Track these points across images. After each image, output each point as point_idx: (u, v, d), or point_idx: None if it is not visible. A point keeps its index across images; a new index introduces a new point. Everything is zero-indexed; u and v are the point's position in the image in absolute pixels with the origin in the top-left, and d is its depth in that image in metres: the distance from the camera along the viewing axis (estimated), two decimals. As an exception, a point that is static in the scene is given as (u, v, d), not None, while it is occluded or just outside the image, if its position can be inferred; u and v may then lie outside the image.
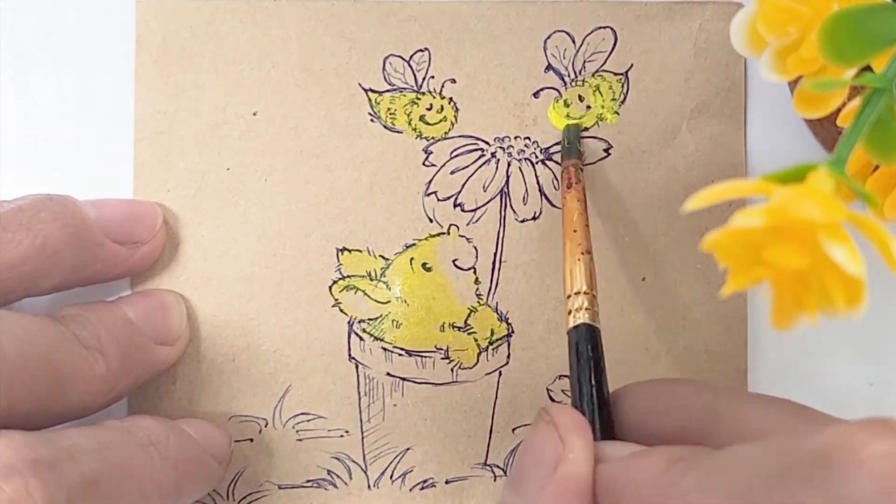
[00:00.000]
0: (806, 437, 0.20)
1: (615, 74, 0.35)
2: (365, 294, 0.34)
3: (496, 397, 0.34)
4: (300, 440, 0.34)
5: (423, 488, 0.34)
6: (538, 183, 0.34)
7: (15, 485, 0.24)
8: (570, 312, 0.29)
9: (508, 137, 0.34)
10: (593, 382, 0.28)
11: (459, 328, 0.34)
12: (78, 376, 0.29)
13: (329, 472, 0.34)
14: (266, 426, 0.34)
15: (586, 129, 0.34)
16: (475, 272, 0.34)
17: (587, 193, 0.33)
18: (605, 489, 0.24)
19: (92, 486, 0.26)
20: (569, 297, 0.29)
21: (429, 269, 0.34)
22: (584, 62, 0.35)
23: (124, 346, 0.31)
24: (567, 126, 0.34)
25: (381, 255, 0.34)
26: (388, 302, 0.34)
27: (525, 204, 0.34)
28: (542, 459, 0.25)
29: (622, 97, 0.35)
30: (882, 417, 0.20)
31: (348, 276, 0.34)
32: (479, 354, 0.34)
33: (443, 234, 0.34)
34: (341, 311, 0.34)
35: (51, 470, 0.25)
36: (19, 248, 0.29)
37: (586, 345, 0.28)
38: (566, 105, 0.35)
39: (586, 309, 0.29)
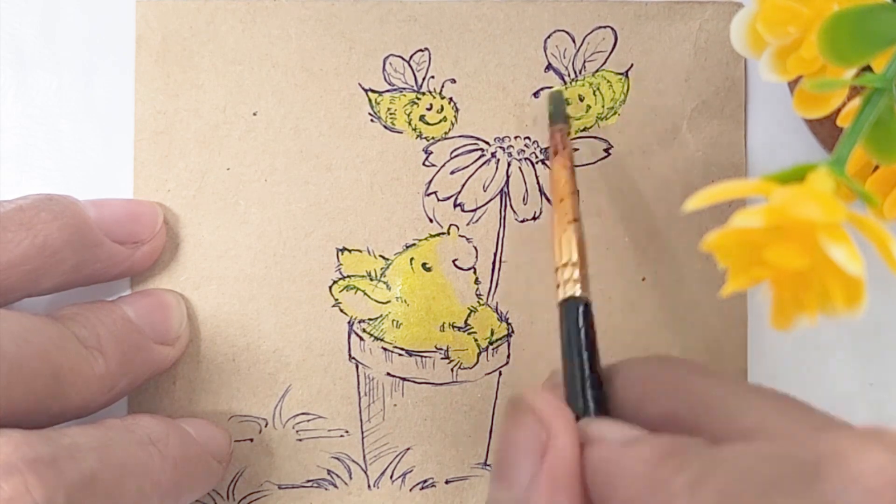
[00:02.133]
0: (800, 446, 0.20)
1: (615, 74, 0.35)
2: (365, 294, 0.34)
3: (496, 397, 0.34)
4: (300, 440, 0.34)
5: (423, 488, 0.34)
6: (538, 183, 0.34)
7: (14, 483, 0.24)
8: (558, 285, 0.28)
9: (508, 137, 0.34)
10: (584, 356, 0.27)
11: (459, 328, 0.34)
12: (77, 375, 0.29)
13: (329, 472, 0.34)
14: (266, 426, 0.34)
15: (586, 128, 0.34)
16: (475, 272, 0.34)
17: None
18: (595, 474, 0.23)
19: (91, 484, 0.26)
20: (557, 269, 0.28)
21: (429, 269, 0.34)
22: (585, 62, 0.35)
23: (124, 345, 0.31)
24: (550, 93, 0.34)
25: (381, 255, 0.34)
26: (388, 302, 0.34)
27: (525, 204, 0.34)
28: (528, 449, 0.24)
29: (622, 97, 0.35)
30: (878, 427, 0.20)
31: (348, 276, 0.34)
32: (479, 354, 0.34)
33: (443, 234, 0.34)
34: (341, 311, 0.34)
35: (50, 468, 0.25)
36: (19, 248, 0.29)
37: (575, 317, 0.27)
38: (566, 104, 0.34)
39: (574, 280, 0.27)
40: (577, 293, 0.27)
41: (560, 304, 0.27)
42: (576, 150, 0.35)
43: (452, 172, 0.35)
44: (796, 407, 0.24)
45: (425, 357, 0.34)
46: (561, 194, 0.30)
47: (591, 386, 0.26)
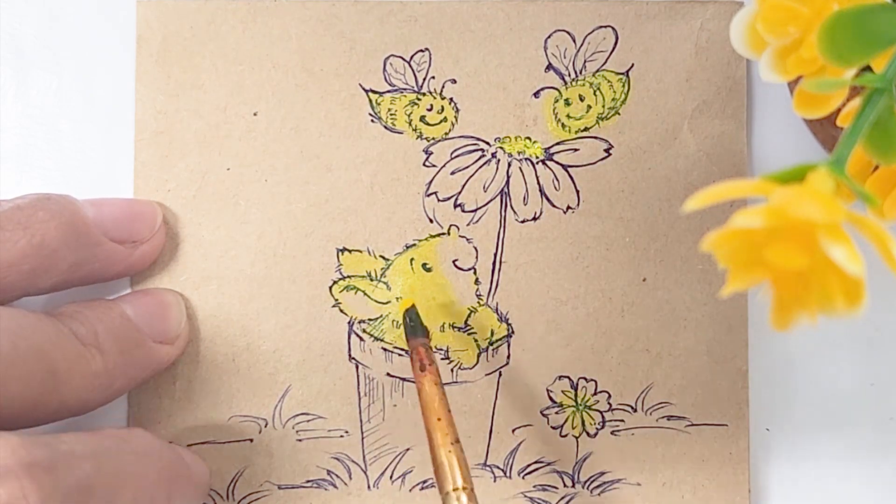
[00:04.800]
0: None
1: (616, 74, 0.35)
2: (365, 294, 0.34)
3: (496, 397, 0.34)
4: (300, 440, 0.34)
5: (422, 488, 0.34)
6: (538, 183, 0.34)
7: (10, 487, 0.24)
8: None
9: (509, 137, 0.34)
10: None
11: (459, 328, 0.34)
12: (74, 372, 0.29)
13: (329, 472, 0.34)
14: (266, 426, 0.34)
15: (587, 128, 0.34)
16: (475, 272, 0.34)
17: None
18: None
19: (86, 491, 0.26)
20: (447, 494, 0.28)
21: (429, 270, 0.34)
22: (585, 62, 0.35)
23: (122, 342, 0.31)
24: (405, 310, 0.33)
25: (381, 256, 0.34)
26: (389, 302, 0.34)
27: (525, 204, 0.34)
28: None
29: (623, 97, 0.35)
30: None
31: (348, 277, 0.34)
32: (479, 355, 0.34)
33: (443, 234, 0.34)
34: (341, 311, 0.34)
35: (47, 473, 0.25)
36: (17, 247, 0.29)
37: None
38: (566, 104, 0.34)
39: None
40: None
41: None
42: (576, 150, 0.34)
43: (453, 173, 0.35)
44: None
45: (425, 357, 0.34)
46: (437, 413, 0.29)
47: None
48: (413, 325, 0.32)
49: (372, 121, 0.34)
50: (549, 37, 0.34)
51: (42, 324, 0.29)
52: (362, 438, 0.34)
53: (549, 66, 0.34)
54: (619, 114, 0.35)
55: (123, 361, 0.31)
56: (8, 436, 0.25)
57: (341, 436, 0.34)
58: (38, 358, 0.28)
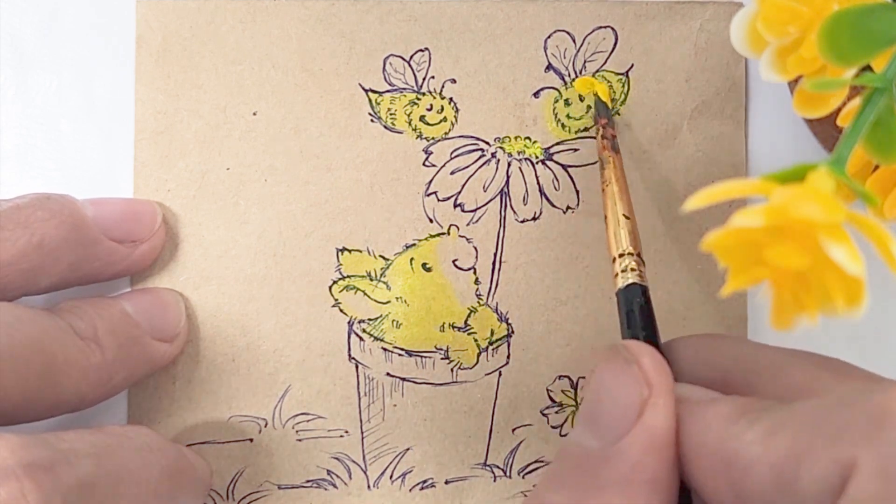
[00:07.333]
0: (865, 395, 0.21)
1: (616, 74, 0.35)
2: (365, 294, 0.34)
3: (496, 397, 0.34)
4: (300, 440, 0.34)
5: (422, 488, 0.34)
6: (538, 183, 0.34)
7: (10, 488, 0.24)
8: (617, 274, 0.29)
9: (509, 137, 0.34)
10: (651, 333, 0.28)
11: (459, 328, 0.34)
12: (72, 366, 0.29)
13: (329, 472, 0.34)
14: (266, 426, 0.34)
15: (587, 128, 0.34)
16: (475, 272, 0.34)
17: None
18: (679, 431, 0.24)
19: (87, 489, 0.26)
20: (615, 259, 0.29)
21: (429, 270, 0.34)
22: (585, 62, 0.35)
23: (121, 337, 0.31)
24: (597, 95, 0.34)
25: (381, 256, 0.34)
26: (388, 302, 0.34)
27: (525, 204, 0.34)
28: (627, 402, 0.24)
29: (623, 97, 0.35)
30: None
31: (348, 277, 0.34)
32: (479, 355, 0.34)
33: (443, 234, 0.34)
34: (341, 311, 0.34)
35: (47, 473, 0.25)
36: (16, 246, 0.29)
37: (639, 303, 0.28)
38: (566, 104, 0.34)
39: (632, 269, 0.29)
40: (637, 280, 0.29)
41: (619, 293, 0.29)
42: (576, 150, 0.35)
43: (452, 173, 0.35)
44: (841, 365, 0.25)
45: (425, 357, 0.34)
46: (618, 187, 0.31)
47: None
48: (604, 105, 0.34)
49: (372, 121, 0.34)
50: (549, 37, 0.34)
51: (40, 318, 0.29)
52: (362, 438, 0.34)
53: (549, 66, 0.34)
54: (618, 114, 0.35)
55: (122, 356, 0.31)
56: (8, 435, 0.25)
57: (341, 436, 0.34)
58: (35, 351, 0.28)
